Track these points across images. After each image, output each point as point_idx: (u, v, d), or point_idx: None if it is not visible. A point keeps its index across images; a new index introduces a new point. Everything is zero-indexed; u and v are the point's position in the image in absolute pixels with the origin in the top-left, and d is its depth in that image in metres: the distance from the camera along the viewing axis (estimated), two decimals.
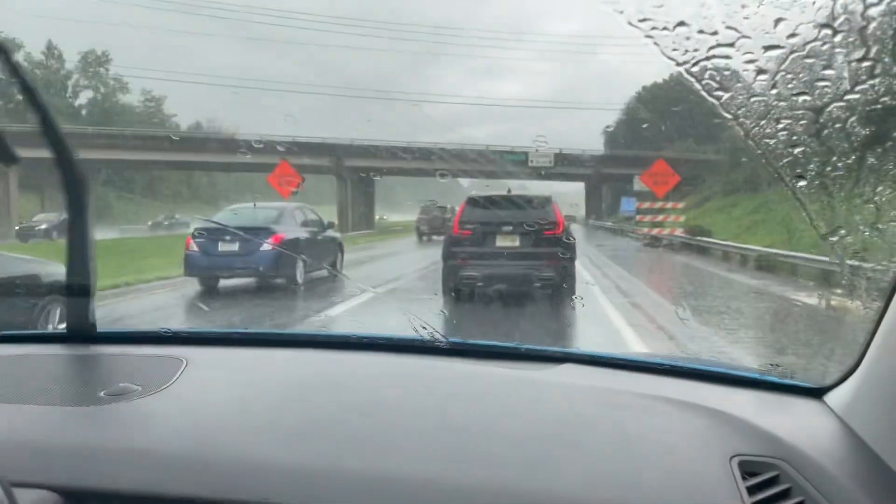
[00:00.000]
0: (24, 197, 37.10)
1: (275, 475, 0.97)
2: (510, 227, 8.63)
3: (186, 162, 32.28)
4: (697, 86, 1.25)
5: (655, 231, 19.08)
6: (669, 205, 18.87)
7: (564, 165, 32.65)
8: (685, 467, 1.02)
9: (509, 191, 9.84)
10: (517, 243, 8.57)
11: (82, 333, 1.58)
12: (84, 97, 54.72)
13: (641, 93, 46.31)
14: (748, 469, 1.02)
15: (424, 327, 1.72)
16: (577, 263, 9.79)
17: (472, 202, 9.06)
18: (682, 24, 1.23)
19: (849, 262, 1.40)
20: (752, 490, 0.96)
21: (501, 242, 8.63)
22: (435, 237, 17.37)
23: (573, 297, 8.38)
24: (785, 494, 0.97)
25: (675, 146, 32.64)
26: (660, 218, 18.91)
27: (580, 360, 1.53)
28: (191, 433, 1.10)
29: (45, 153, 1.37)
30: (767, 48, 1.26)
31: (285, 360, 1.57)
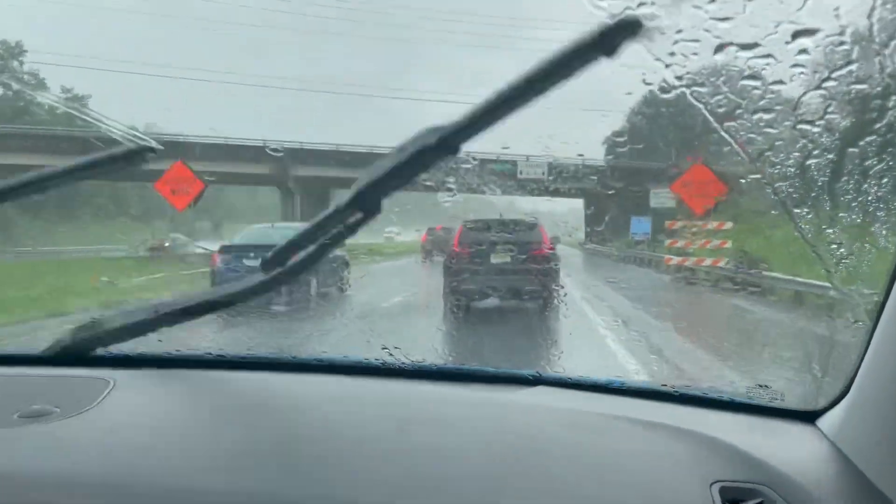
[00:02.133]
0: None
1: (206, 502, 0.91)
2: (502, 247, 9.89)
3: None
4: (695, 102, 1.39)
5: (693, 261, 13.73)
6: (711, 225, 13.58)
7: (560, 179, 28.21)
8: (661, 493, 1.00)
9: (500, 216, 11.11)
10: (508, 260, 9.87)
11: None
12: None
13: (648, 96, 42.01)
14: (730, 496, 0.98)
15: (385, 349, 1.66)
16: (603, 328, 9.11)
17: (469, 225, 10.63)
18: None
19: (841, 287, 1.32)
20: None
21: (495, 259, 10.05)
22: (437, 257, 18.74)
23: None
24: None
25: (681, 161, 28.28)
26: (698, 243, 13.58)
27: (555, 382, 1.47)
28: (113, 458, 1.02)
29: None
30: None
31: (228, 382, 1.45)
